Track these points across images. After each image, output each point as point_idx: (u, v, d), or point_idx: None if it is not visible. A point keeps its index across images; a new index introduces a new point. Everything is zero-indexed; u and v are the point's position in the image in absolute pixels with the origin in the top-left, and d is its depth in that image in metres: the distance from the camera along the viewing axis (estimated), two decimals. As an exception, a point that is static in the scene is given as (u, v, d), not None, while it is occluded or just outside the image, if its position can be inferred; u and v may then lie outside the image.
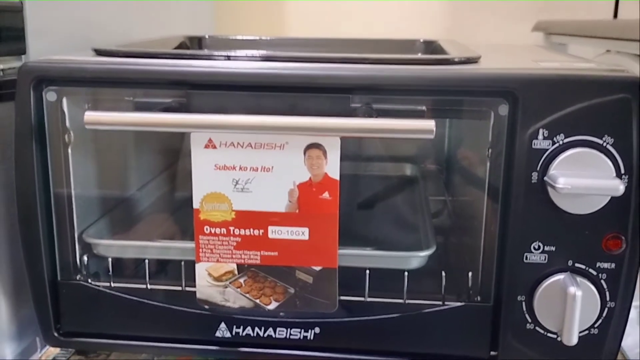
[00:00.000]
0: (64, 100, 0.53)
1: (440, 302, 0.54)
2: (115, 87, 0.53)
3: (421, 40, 0.73)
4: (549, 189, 0.49)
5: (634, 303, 0.92)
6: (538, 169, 0.49)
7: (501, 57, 0.64)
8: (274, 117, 0.49)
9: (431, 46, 0.70)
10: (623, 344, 0.54)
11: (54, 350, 0.61)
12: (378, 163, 0.76)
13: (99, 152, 0.62)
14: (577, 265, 0.51)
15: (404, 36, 0.81)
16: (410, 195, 0.72)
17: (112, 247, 0.57)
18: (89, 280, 0.56)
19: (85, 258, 0.57)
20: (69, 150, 0.54)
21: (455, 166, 0.69)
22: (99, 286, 0.56)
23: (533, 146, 0.49)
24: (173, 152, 0.75)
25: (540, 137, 0.49)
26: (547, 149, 0.49)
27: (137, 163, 0.71)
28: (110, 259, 0.57)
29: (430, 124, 0.47)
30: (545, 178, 0.49)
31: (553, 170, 0.49)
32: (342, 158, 0.51)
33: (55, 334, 0.57)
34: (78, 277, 0.57)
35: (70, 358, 0.61)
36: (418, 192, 0.71)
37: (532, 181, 0.50)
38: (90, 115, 0.48)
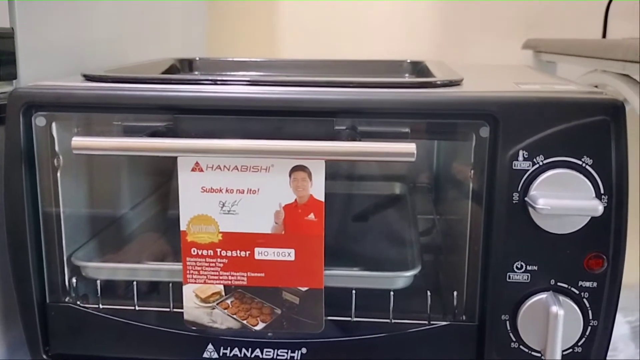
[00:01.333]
0: (53, 125, 0.54)
1: (426, 322, 0.55)
2: (104, 112, 0.54)
3: (408, 61, 0.75)
4: (530, 209, 0.50)
5: (629, 319, 0.92)
6: (519, 189, 0.50)
7: (484, 78, 0.65)
8: (259, 142, 0.50)
9: (417, 67, 0.72)
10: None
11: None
12: (367, 182, 0.77)
13: (89, 175, 0.63)
14: (559, 284, 0.51)
15: (395, 54, 0.83)
16: (399, 214, 0.72)
17: (101, 269, 0.58)
18: (78, 303, 0.57)
19: (74, 280, 0.57)
20: (58, 174, 0.55)
21: (443, 185, 0.70)
22: (87, 308, 0.57)
23: (514, 167, 0.50)
24: (164, 173, 0.76)
25: (520, 158, 0.50)
26: (528, 170, 0.50)
27: (128, 184, 0.72)
28: (98, 281, 0.57)
29: (410, 147, 0.47)
30: (526, 198, 0.50)
31: (533, 190, 0.50)
32: (331, 176, 0.52)
33: (44, 356, 0.57)
34: (67, 299, 0.57)
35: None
36: (407, 210, 0.72)
37: (514, 201, 0.51)
38: (77, 141, 0.49)
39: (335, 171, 0.51)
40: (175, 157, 0.52)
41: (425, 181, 0.80)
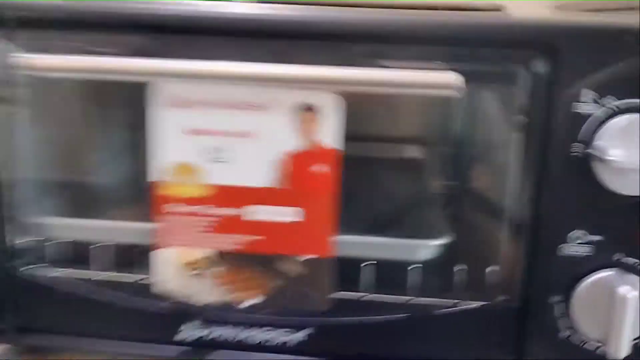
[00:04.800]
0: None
1: (454, 302, 0.45)
2: (65, 32, 0.43)
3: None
4: (595, 163, 0.40)
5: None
6: (581, 139, 0.40)
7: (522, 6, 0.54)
8: (260, 66, 0.39)
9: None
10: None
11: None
12: (383, 144, 0.66)
13: (48, 112, 0.52)
14: (628, 259, 0.41)
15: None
16: (420, 179, 0.62)
17: (53, 226, 0.47)
18: (23, 269, 0.46)
19: (18, 241, 0.47)
20: (7, 109, 0.44)
21: (472, 145, 0.60)
22: (39, 275, 0.46)
23: (575, 110, 0.40)
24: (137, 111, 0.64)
25: (584, 99, 0.40)
26: (593, 114, 0.40)
27: (94, 120, 0.60)
28: (51, 242, 0.47)
29: (454, 77, 0.37)
30: (590, 150, 0.40)
31: (600, 140, 0.39)
32: (349, 137, 0.42)
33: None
34: (9, 264, 0.47)
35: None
36: (428, 175, 0.62)
37: (573, 154, 0.40)
38: (25, 59, 0.38)
39: (347, 130, 0.41)
40: (146, 85, 0.41)
41: (447, 143, 0.69)
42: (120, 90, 0.48)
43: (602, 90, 0.40)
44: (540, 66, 0.41)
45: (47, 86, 0.43)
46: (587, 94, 0.40)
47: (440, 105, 0.59)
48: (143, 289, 0.45)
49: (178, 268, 0.45)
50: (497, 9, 0.45)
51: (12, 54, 0.41)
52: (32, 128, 0.49)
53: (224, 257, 0.44)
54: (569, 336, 0.43)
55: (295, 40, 0.41)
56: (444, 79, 0.37)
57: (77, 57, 0.39)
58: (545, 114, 0.41)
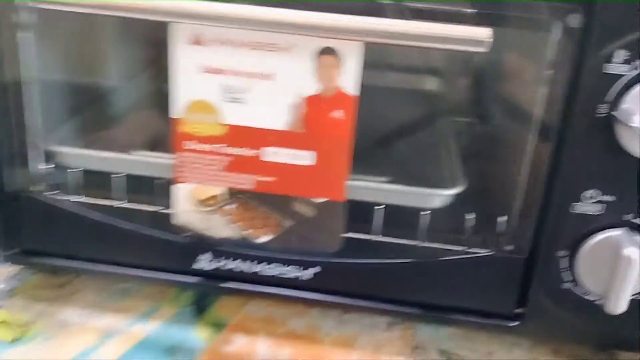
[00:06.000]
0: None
1: (463, 249, 0.46)
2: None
3: None
4: (618, 126, 0.39)
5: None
6: (609, 100, 0.39)
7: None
8: (281, 11, 0.38)
9: None
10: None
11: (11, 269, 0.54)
12: (396, 73, 0.65)
13: (68, 40, 0.51)
14: (637, 220, 0.42)
15: None
16: (435, 117, 0.61)
17: (76, 156, 0.48)
18: (50, 194, 0.47)
19: (46, 167, 0.48)
20: (20, 34, 0.43)
21: (495, 84, 0.58)
22: (59, 200, 0.47)
23: (605, 70, 0.39)
24: (162, 42, 0.64)
25: (616, 59, 0.38)
26: (624, 75, 0.39)
27: (117, 54, 0.60)
28: (74, 170, 0.48)
29: (483, 32, 0.36)
30: (615, 112, 0.39)
31: (627, 103, 0.39)
32: (368, 64, 0.41)
33: (14, 250, 0.49)
34: (38, 189, 0.48)
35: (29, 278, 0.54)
36: (445, 112, 0.61)
37: (598, 114, 0.40)
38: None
39: (373, 57, 0.40)
40: (167, 24, 0.40)
41: (468, 76, 0.68)
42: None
43: (635, 53, 0.38)
44: (575, 21, 0.39)
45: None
46: (620, 54, 0.38)
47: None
48: (163, 219, 0.46)
49: (195, 203, 0.46)
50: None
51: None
52: (53, 53, 0.48)
53: (238, 195, 0.45)
54: (572, 287, 0.44)
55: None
56: (474, 34, 0.36)
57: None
58: (575, 70, 0.40)
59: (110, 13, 0.38)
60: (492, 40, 0.36)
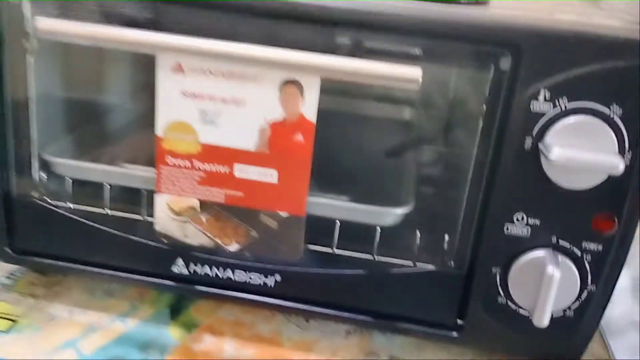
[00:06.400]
0: (26, 3, 0.48)
1: (411, 264, 0.51)
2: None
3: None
4: (542, 157, 0.44)
5: (633, 274, 0.87)
6: (534, 134, 0.45)
7: (516, 1, 0.57)
8: (247, 47, 0.44)
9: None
10: (609, 314, 0.50)
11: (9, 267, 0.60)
12: (372, 102, 0.71)
13: (70, 62, 0.57)
14: (561, 242, 0.47)
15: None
16: (403, 142, 0.67)
17: (70, 167, 0.54)
18: (45, 199, 0.53)
19: (43, 175, 0.54)
20: (29, 58, 0.50)
21: (456, 114, 0.64)
22: (55, 206, 0.53)
23: (531, 108, 0.44)
24: (151, 67, 0.70)
25: (541, 98, 0.44)
26: (546, 113, 0.44)
27: (112, 76, 0.66)
28: (69, 180, 0.54)
29: (415, 72, 0.41)
30: (540, 145, 0.44)
31: (549, 137, 0.44)
32: (332, 91, 0.46)
33: (8, 250, 0.55)
34: (34, 194, 0.54)
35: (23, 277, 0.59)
36: (412, 138, 0.67)
37: (525, 147, 0.45)
38: (42, 22, 0.43)
39: (338, 85, 0.45)
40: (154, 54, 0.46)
41: (439, 107, 0.73)
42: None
43: (558, 91, 0.44)
44: (506, 64, 0.45)
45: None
46: (543, 94, 0.44)
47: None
48: (144, 227, 0.52)
49: (173, 212, 0.51)
50: (484, 2, 0.48)
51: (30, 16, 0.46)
52: (54, 73, 0.55)
53: (211, 207, 0.50)
54: (505, 302, 0.49)
55: (281, 20, 0.45)
56: (406, 74, 0.41)
57: (88, 26, 0.44)
58: (506, 107, 0.45)
59: (105, 44, 0.44)
60: (420, 79, 0.42)
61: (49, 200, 0.53)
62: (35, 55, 0.51)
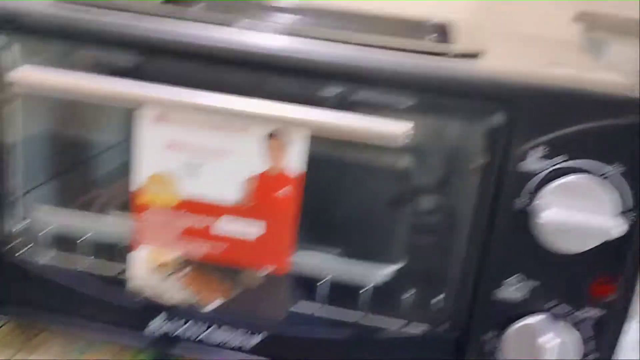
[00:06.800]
0: (15, 49, 0.47)
1: (400, 324, 0.48)
2: (63, 39, 0.47)
3: (432, 22, 0.65)
4: (533, 220, 0.42)
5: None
6: (527, 193, 0.42)
7: (514, 53, 0.55)
8: (233, 99, 0.43)
9: (440, 30, 0.62)
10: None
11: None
12: (368, 149, 0.68)
13: (53, 109, 0.56)
14: (559, 307, 0.44)
15: (435, 11, 0.70)
16: (399, 191, 0.64)
17: (49, 215, 0.52)
18: (21, 253, 0.52)
19: (18, 228, 0.52)
20: (9, 107, 0.49)
21: (452, 169, 0.62)
22: (30, 260, 0.51)
23: (525, 166, 0.42)
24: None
25: (535, 156, 0.42)
26: (542, 172, 0.42)
27: (96, 125, 0.65)
28: (46, 230, 0.52)
29: (401, 128, 0.40)
30: (528, 208, 0.42)
31: (544, 197, 0.41)
32: (325, 138, 0.44)
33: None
34: (11, 245, 0.52)
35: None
36: (408, 188, 0.64)
37: (519, 207, 0.43)
38: (20, 74, 0.42)
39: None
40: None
41: (436, 158, 0.71)
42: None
43: (554, 149, 0.42)
44: (498, 119, 0.43)
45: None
46: (537, 151, 0.42)
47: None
48: (120, 283, 0.50)
49: (150, 268, 0.49)
50: (475, 55, 0.46)
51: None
52: (36, 122, 0.53)
53: (191, 262, 0.48)
54: (501, 369, 0.46)
55: (264, 72, 0.44)
56: (394, 130, 0.39)
57: (68, 78, 0.43)
58: (497, 165, 0.43)
59: (85, 99, 0.42)
60: (405, 138, 0.40)
61: (24, 253, 0.52)
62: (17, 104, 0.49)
